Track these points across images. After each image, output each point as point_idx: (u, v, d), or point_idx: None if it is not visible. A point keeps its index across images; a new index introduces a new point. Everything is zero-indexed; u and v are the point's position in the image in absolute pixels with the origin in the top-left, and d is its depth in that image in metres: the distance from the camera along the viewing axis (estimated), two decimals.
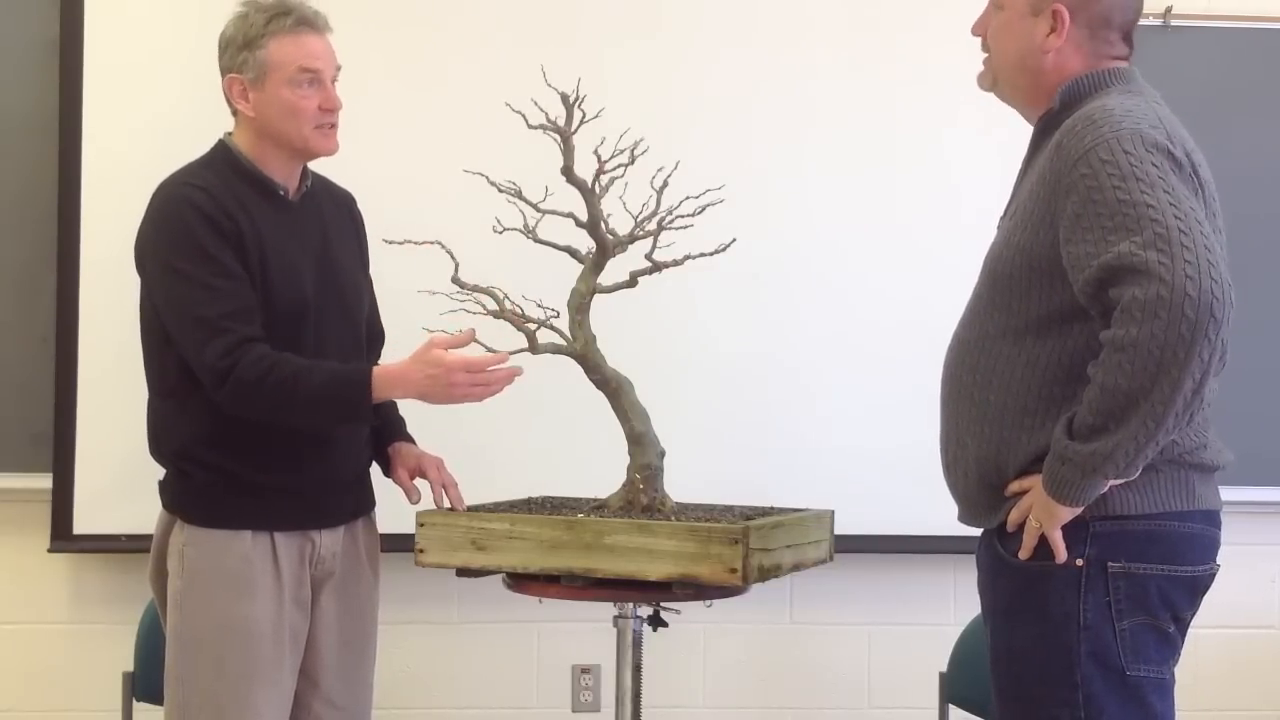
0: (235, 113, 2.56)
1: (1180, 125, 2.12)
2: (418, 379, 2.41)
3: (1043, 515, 2.06)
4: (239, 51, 2.51)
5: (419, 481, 2.67)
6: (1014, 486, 2.13)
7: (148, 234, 2.51)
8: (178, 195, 2.48)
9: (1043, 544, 2.08)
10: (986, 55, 2.30)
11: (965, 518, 2.27)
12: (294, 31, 2.50)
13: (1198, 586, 2.13)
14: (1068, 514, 2.05)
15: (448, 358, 2.39)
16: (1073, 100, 2.17)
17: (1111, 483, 2.03)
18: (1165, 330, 1.89)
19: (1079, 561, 2.07)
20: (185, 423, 2.50)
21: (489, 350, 2.50)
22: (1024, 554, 2.10)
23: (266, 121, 2.51)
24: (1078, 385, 2.04)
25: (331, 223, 2.63)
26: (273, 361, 2.40)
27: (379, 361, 2.78)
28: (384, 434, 2.72)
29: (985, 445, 2.15)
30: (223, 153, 2.55)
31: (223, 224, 2.45)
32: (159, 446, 2.55)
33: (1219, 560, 2.16)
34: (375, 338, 2.79)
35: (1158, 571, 2.07)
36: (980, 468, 2.17)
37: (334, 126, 2.55)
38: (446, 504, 2.62)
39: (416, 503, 2.63)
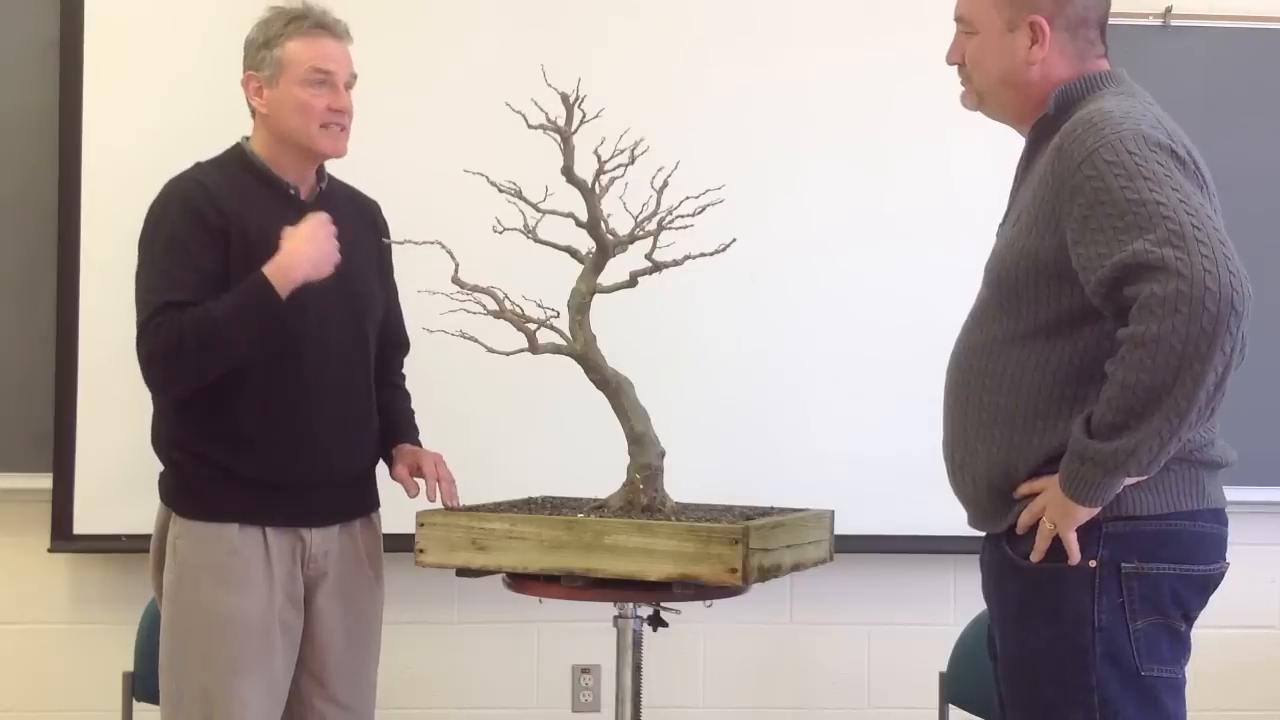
0: (253, 113, 2.61)
1: (1176, 124, 2.12)
2: (302, 252, 2.45)
3: (1058, 516, 2.05)
4: (259, 51, 2.58)
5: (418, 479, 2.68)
6: (1024, 489, 2.11)
7: (143, 224, 2.55)
8: (169, 188, 2.54)
9: (1054, 546, 2.06)
10: (966, 78, 2.28)
11: (975, 522, 2.25)
12: (310, 34, 2.57)
13: (1209, 585, 2.12)
14: (1085, 515, 2.03)
15: (304, 223, 2.48)
16: (1067, 104, 2.16)
17: (1126, 482, 2.02)
18: (1186, 325, 1.88)
19: (1092, 563, 2.05)
20: (183, 417, 2.52)
21: (489, 350, 2.51)
22: (1036, 556, 2.08)
23: (277, 118, 2.56)
24: (1089, 386, 2.03)
25: (348, 226, 2.63)
26: (177, 317, 2.41)
27: (403, 370, 2.84)
28: (391, 438, 2.73)
29: (995, 449, 2.14)
30: (236, 151, 2.61)
31: (207, 215, 2.48)
32: (156, 439, 2.58)
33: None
34: (397, 345, 2.81)
35: (1170, 571, 2.06)
36: (990, 472, 2.15)
37: (344, 129, 2.59)
38: (439, 498, 2.63)
39: (414, 496, 2.65)
